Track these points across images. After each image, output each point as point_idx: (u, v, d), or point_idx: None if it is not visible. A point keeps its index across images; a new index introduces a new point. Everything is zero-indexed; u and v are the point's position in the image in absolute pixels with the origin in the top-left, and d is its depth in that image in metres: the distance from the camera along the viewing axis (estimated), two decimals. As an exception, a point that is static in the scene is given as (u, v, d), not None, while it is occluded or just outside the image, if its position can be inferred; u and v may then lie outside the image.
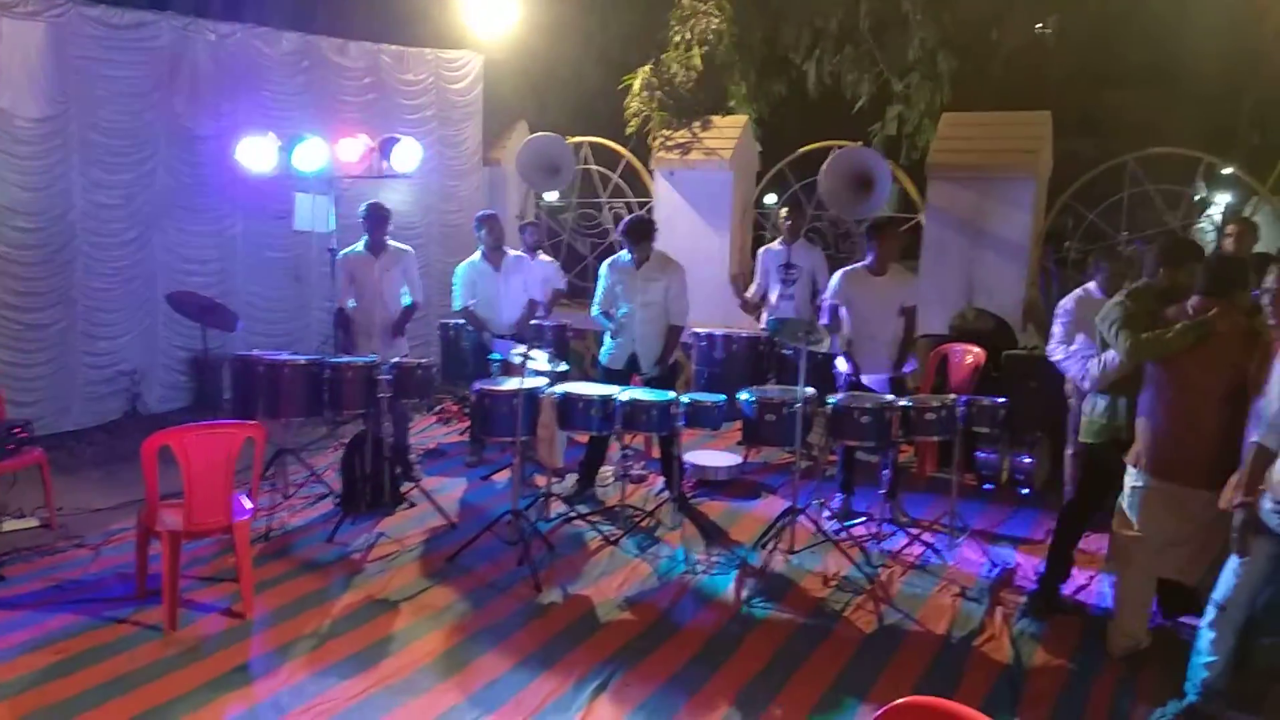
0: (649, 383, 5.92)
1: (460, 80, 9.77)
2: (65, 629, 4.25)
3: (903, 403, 5.26)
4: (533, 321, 7.01)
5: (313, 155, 6.97)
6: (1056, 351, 5.28)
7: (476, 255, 6.91)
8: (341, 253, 6.61)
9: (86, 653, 4.05)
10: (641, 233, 5.95)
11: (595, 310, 6.21)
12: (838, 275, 5.89)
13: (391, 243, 6.59)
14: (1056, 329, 5.36)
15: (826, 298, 5.95)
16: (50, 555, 5.07)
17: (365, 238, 6.53)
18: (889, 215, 7.38)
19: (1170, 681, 3.88)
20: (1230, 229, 5.89)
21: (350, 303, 6.51)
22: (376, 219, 6.49)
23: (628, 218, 6.14)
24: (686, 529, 5.63)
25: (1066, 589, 4.87)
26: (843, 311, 5.80)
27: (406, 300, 6.66)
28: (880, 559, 5.26)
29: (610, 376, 6.02)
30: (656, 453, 6.58)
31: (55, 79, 6.96)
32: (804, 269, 7.10)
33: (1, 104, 6.74)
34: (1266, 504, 3.42)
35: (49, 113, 6.98)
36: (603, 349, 6.26)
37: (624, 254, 6.08)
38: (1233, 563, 3.56)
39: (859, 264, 5.90)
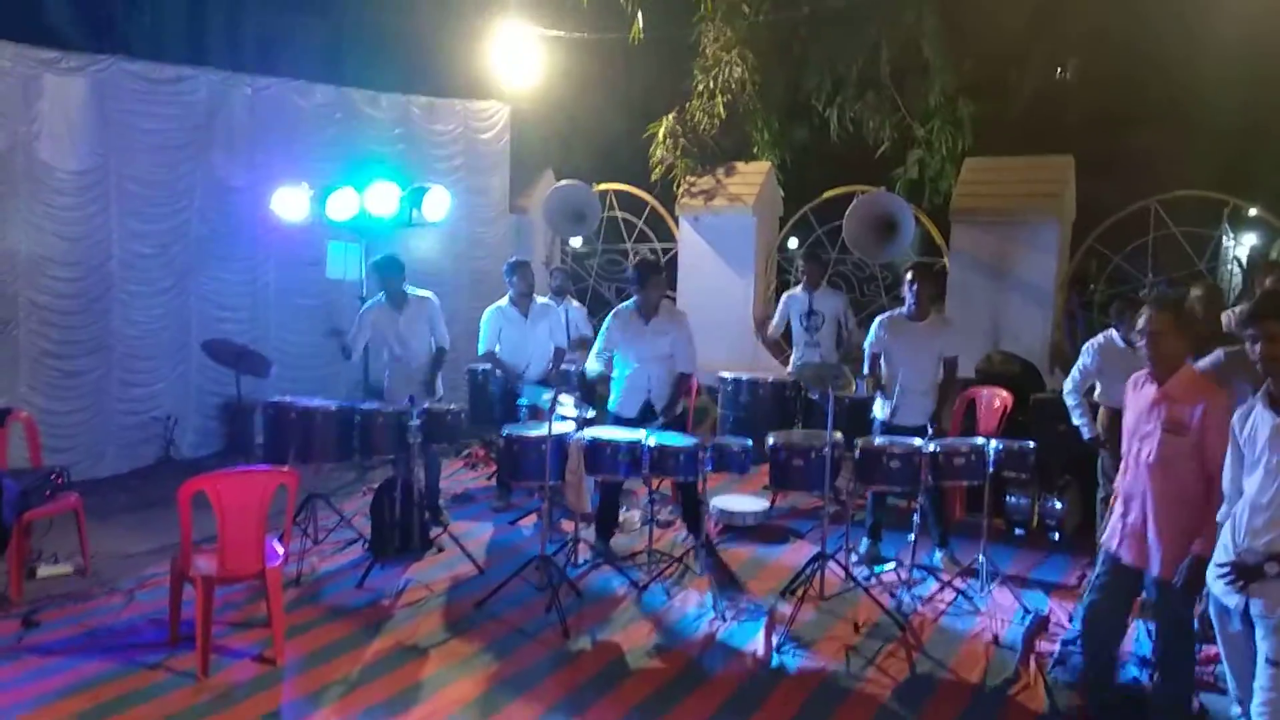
0: (662, 428, 5.85)
1: (488, 130, 9.95)
2: (99, 675, 4.28)
3: (932, 448, 5.25)
4: (562, 367, 7.04)
5: (345, 205, 7.10)
6: (1069, 397, 5.62)
7: (504, 300, 6.95)
8: (364, 306, 6.61)
9: (119, 699, 4.08)
10: (650, 271, 5.90)
11: (593, 367, 6.00)
12: (877, 322, 5.90)
13: (413, 291, 6.50)
14: (1074, 370, 5.66)
15: (866, 347, 5.95)
16: (84, 601, 5.11)
17: (384, 293, 6.44)
18: (926, 260, 7.39)
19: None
20: (1267, 280, 5.84)
21: (358, 349, 6.51)
22: (390, 272, 6.39)
23: (636, 259, 6.08)
24: (715, 575, 5.60)
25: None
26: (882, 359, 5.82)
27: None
28: (911, 606, 5.22)
29: (621, 425, 5.84)
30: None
31: (95, 132, 7.16)
32: (827, 315, 7.13)
33: (42, 156, 6.93)
34: (1213, 578, 3.23)
35: (88, 165, 7.17)
36: (612, 397, 6.03)
37: (630, 304, 5.93)
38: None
39: (897, 310, 5.90)
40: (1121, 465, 3.85)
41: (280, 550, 4.64)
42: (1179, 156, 10.03)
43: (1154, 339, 3.60)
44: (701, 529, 5.71)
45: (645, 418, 5.92)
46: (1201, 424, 3.47)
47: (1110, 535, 3.80)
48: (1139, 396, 3.75)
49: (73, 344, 7.18)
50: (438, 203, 7.44)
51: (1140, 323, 3.64)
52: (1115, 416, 5.63)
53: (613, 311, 6.07)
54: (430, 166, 9.30)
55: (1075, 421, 5.57)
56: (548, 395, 5.32)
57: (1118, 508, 3.79)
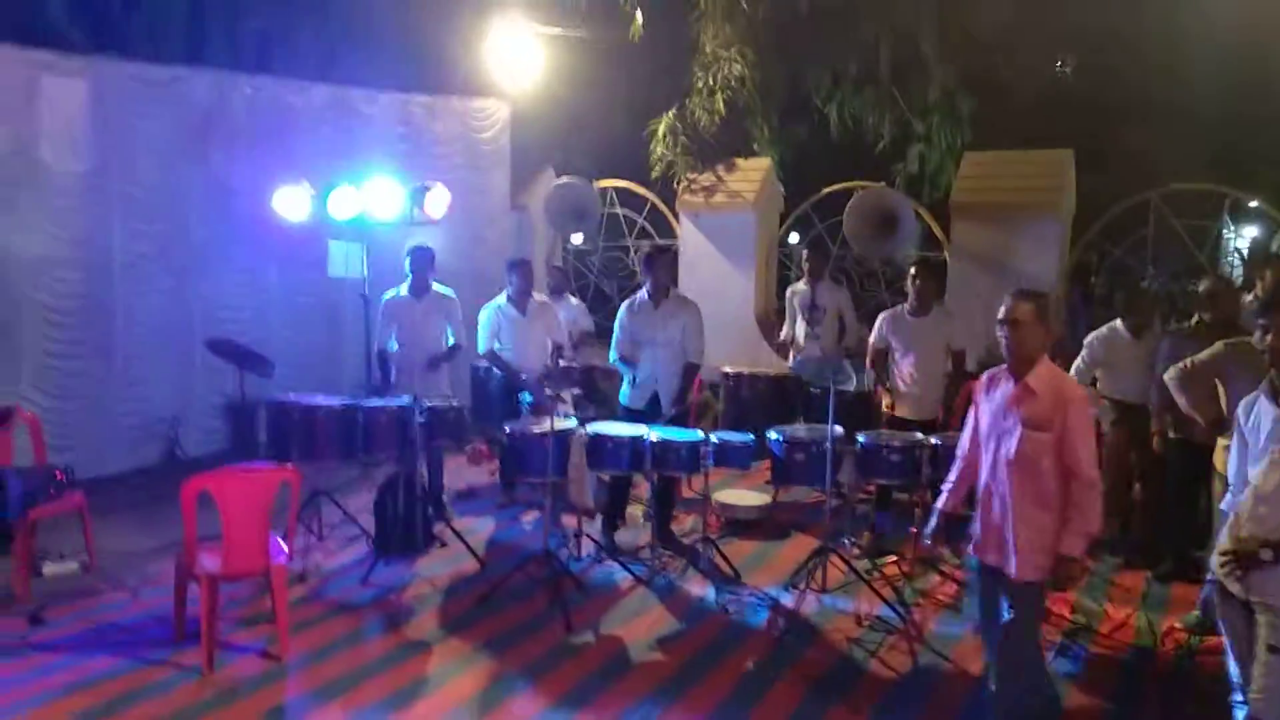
0: (669, 423, 5.89)
1: (488, 128, 9.95)
2: (104, 672, 4.30)
3: (932, 441, 5.26)
4: (561, 364, 7.03)
5: (346, 203, 7.10)
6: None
7: (501, 298, 6.95)
8: (385, 296, 6.69)
9: (125, 695, 4.10)
10: (656, 254, 6.03)
11: (614, 355, 6.11)
12: (881, 318, 5.95)
13: (435, 286, 6.61)
14: (1078, 361, 5.68)
15: (871, 342, 6.01)
16: (89, 598, 5.13)
17: (409, 280, 6.56)
18: (929, 255, 7.45)
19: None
20: (1266, 273, 5.83)
21: (392, 345, 6.55)
22: (421, 262, 6.53)
23: (646, 247, 6.19)
24: (718, 569, 5.62)
25: (1104, 629, 4.84)
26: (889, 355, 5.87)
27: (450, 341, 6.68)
28: (913, 598, 5.23)
29: (631, 417, 5.94)
30: (687, 491, 6.58)
31: (95, 133, 7.17)
32: (829, 308, 7.15)
33: (43, 158, 6.95)
34: (1216, 565, 3.21)
35: (89, 166, 7.17)
36: (623, 390, 6.14)
37: (641, 294, 6.08)
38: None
39: (901, 306, 5.95)
40: (982, 466, 3.67)
41: (285, 547, 4.66)
42: (1179, 149, 10.03)
43: (1015, 328, 3.46)
44: (667, 523, 5.75)
45: (653, 410, 5.96)
46: (1062, 420, 3.38)
47: (976, 541, 3.69)
48: (996, 393, 3.62)
49: (76, 344, 7.19)
50: (438, 201, 7.44)
51: (1001, 312, 3.51)
52: (1119, 408, 5.67)
53: (624, 303, 6.20)
54: (430, 165, 9.28)
55: None
56: (549, 392, 5.33)
57: (980, 510, 3.65)
